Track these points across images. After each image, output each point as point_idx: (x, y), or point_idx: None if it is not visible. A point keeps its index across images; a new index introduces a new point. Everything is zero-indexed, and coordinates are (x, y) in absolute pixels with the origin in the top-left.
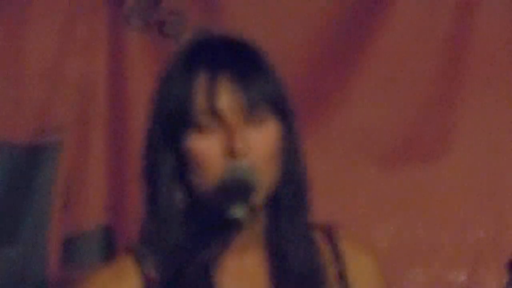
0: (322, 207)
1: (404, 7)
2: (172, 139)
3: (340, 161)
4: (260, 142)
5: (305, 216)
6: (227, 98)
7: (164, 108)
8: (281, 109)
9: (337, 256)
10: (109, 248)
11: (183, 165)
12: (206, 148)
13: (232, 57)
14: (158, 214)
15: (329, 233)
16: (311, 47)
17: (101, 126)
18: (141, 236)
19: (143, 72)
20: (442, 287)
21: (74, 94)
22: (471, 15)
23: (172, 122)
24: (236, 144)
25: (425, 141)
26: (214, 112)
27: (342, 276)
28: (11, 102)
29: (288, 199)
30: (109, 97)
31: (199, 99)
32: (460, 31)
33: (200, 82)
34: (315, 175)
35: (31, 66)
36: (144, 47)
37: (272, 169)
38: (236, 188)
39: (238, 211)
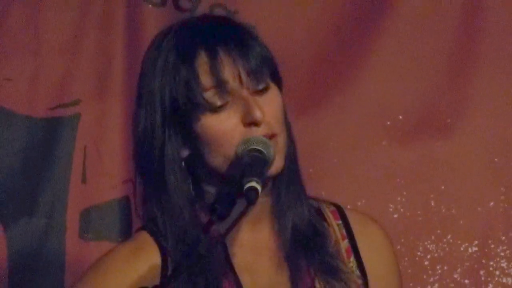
0: (336, 180)
1: (402, 6)
2: (179, 126)
3: (353, 135)
4: (271, 109)
5: (301, 183)
6: (229, 69)
7: (165, 96)
8: (277, 76)
9: (348, 231)
10: (126, 219)
11: (194, 146)
12: (223, 126)
13: (227, 33)
14: (168, 201)
15: (340, 210)
16: (329, 29)
17: (117, 100)
18: (151, 219)
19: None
20: (454, 259)
21: (91, 68)
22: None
23: (178, 109)
24: (254, 113)
25: (436, 115)
26: (221, 86)
27: (353, 247)
28: (31, 77)
29: (288, 170)
30: (125, 71)
31: (203, 78)
32: (470, 13)
33: (201, 60)
34: (328, 149)
35: (50, 42)
36: (160, 21)
37: (285, 135)
38: (255, 163)
39: (255, 184)
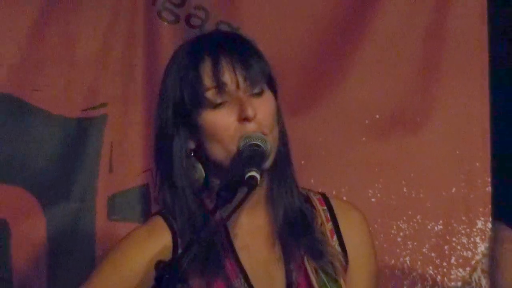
0: (324, 170)
1: (393, 2)
2: (186, 120)
3: (338, 132)
4: (263, 110)
5: (292, 175)
6: (229, 75)
7: (176, 95)
8: (273, 85)
9: (332, 215)
10: (146, 203)
11: (198, 140)
12: (220, 121)
13: (230, 44)
14: (175, 182)
15: (325, 197)
16: (318, 42)
17: (139, 102)
18: (164, 205)
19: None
20: (422, 236)
21: (116, 76)
22: (447, 9)
23: (185, 105)
24: (247, 111)
25: (407, 115)
26: (220, 87)
27: (336, 229)
28: (66, 83)
29: (281, 163)
30: (145, 78)
31: (206, 79)
32: (438, 22)
33: (205, 65)
34: (317, 143)
35: (82, 53)
36: (174, 36)
37: (275, 136)
38: (254, 156)
39: (254, 174)
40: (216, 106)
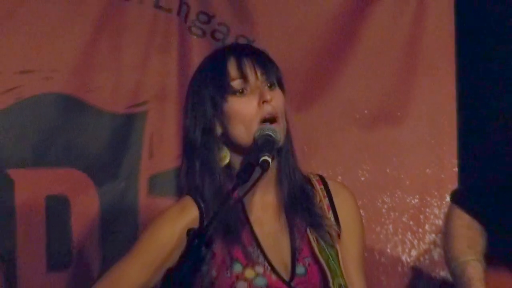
0: (323, 155)
1: (379, 17)
2: (214, 104)
3: (334, 124)
4: (276, 98)
5: (295, 160)
6: (250, 69)
7: (207, 82)
8: (281, 83)
9: (328, 192)
10: (179, 182)
11: (224, 125)
12: (243, 104)
13: (249, 49)
14: (202, 164)
15: (322, 178)
16: (317, 48)
17: (173, 101)
18: (192, 187)
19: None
20: (402, 208)
21: (155, 79)
22: (422, 23)
23: (214, 91)
24: (265, 95)
25: (390, 110)
26: (244, 78)
27: (331, 205)
28: (114, 85)
29: (286, 151)
30: (179, 81)
31: (232, 72)
32: (414, 34)
33: (231, 62)
34: (317, 134)
35: (126, 61)
36: (202, 47)
37: (284, 125)
38: (267, 144)
39: (267, 158)
40: (240, 93)
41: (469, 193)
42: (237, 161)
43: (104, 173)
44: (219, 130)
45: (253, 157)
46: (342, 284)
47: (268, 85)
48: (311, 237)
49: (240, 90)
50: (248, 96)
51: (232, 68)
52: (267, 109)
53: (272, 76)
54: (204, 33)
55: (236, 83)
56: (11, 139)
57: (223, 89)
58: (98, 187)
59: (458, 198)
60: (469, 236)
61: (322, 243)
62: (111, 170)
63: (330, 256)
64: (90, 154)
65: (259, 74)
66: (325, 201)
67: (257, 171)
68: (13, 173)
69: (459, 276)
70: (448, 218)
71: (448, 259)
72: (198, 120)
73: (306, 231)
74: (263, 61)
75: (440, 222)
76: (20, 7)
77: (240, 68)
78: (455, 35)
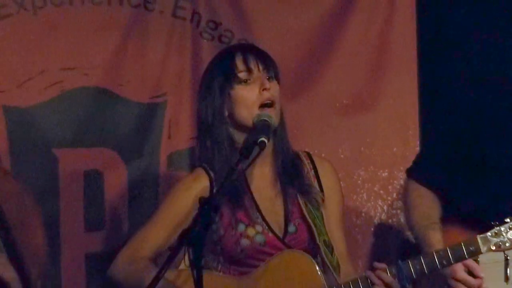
0: (309, 137)
1: (355, 25)
2: (222, 91)
3: (318, 111)
4: (273, 87)
5: (287, 140)
6: (254, 63)
7: (218, 73)
8: (278, 77)
9: (313, 165)
10: (192, 159)
11: (230, 108)
12: (248, 91)
13: (253, 47)
14: (213, 141)
15: (309, 155)
16: (306, 49)
17: (187, 93)
18: (204, 161)
19: None
20: (374, 179)
21: (172, 75)
22: (391, 28)
23: (224, 77)
24: (265, 84)
25: (365, 100)
26: (248, 70)
27: (317, 176)
28: (139, 79)
29: (280, 131)
30: (192, 77)
31: (239, 65)
32: (384, 37)
33: (238, 57)
34: (306, 119)
35: (150, 60)
36: (210, 49)
37: (279, 110)
38: (263, 127)
39: (264, 139)
40: (244, 82)
41: (423, 169)
42: (241, 138)
43: (131, 152)
44: (226, 113)
45: (253, 137)
46: (326, 239)
47: (267, 77)
48: (300, 201)
49: (245, 80)
50: (251, 85)
51: (239, 62)
52: (266, 95)
53: (271, 70)
54: (212, 37)
55: (242, 74)
56: (55, 124)
57: (231, 79)
58: (126, 163)
59: (414, 174)
60: (425, 205)
61: (310, 206)
62: (137, 149)
63: (316, 217)
64: (120, 136)
65: (261, 68)
66: (312, 173)
67: (256, 149)
68: (57, 151)
69: (421, 239)
70: (406, 191)
71: (410, 226)
72: (210, 105)
73: (296, 197)
74: (264, 57)
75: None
76: (63, 19)
77: (246, 62)
78: (416, 39)
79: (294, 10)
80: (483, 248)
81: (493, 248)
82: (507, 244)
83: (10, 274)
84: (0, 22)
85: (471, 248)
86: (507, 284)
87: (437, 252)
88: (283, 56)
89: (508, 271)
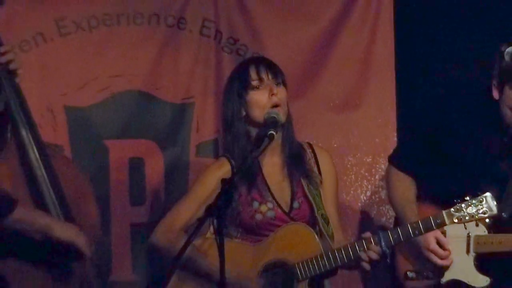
0: (309, 130)
1: (346, 37)
2: (240, 96)
3: (316, 108)
4: (280, 92)
5: (293, 132)
6: (265, 73)
7: (236, 82)
8: (285, 83)
9: (314, 154)
10: (216, 149)
11: (246, 109)
12: (260, 96)
13: (264, 59)
14: (233, 135)
15: (310, 145)
16: (305, 57)
17: (211, 96)
18: (227, 151)
19: (229, 74)
20: (360, 164)
21: (200, 82)
22: (375, 37)
23: (238, 90)
24: (274, 89)
25: (352, 99)
26: (260, 78)
27: (316, 162)
28: (173, 84)
29: (287, 126)
30: (215, 83)
31: (252, 75)
32: (370, 45)
33: (252, 68)
34: (306, 115)
35: (181, 69)
36: (230, 60)
37: (286, 109)
38: (272, 123)
39: (272, 132)
40: (256, 88)
41: (401, 157)
42: (254, 132)
43: (167, 142)
44: (243, 113)
45: (263, 131)
46: (323, 213)
47: (276, 83)
48: (303, 183)
49: (257, 87)
50: (262, 90)
51: (252, 73)
52: (274, 99)
53: (279, 77)
54: (231, 51)
55: (255, 82)
56: (106, 120)
57: (246, 86)
58: (162, 151)
59: (394, 161)
60: (403, 187)
61: (311, 187)
62: (171, 140)
63: (315, 195)
64: (158, 130)
65: (270, 76)
66: (312, 160)
67: (266, 140)
68: (107, 142)
69: (400, 214)
70: (387, 175)
71: (392, 203)
72: (230, 108)
73: (300, 179)
74: (273, 67)
75: (384, 174)
76: (112, 36)
77: (258, 73)
78: (394, 52)
79: (297, 27)
80: (447, 221)
81: (456, 221)
82: (466, 218)
83: (82, 240)
84: (62, 39)
85: (438, 221)
86: (468, 255)
87: (411, 224)
88: (288, 64)
89: (470, 246)
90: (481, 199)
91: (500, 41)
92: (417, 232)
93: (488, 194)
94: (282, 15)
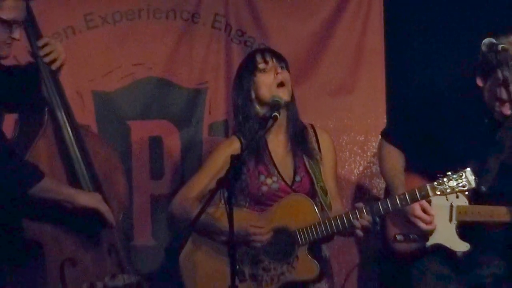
0: (310, 112)
1: (341, 30)
2: (249, 79)
3: (315, 93)
4: (284, 74)
5: (297, 113)
6: (269, 57)
7: (246, 67)
8: (288, 68)
9: (315, 134)
10: (226, 128)
11: (255, 90)
12: (266, 77)
13: (269, 49)
14: (243, 116)
15: (312, 126)
16: (306, 47)
17: (222, 81)
18: (237, 130)
19: (238, 62)
20: (354, 142)
21: (212, 69)
22: (366, 30)
23: (249, 70)
24: (278, 69)
25: (345, 88)
26: (265, 61)
27: (317, 140)
28: (188, 71)
29: (291, 107)
30: (225, 70)
31: (258, 59)
32: (361, 37)
33: (258, 55)
34: (307, 99)
35: (196, 57)
36: (239, 50)
37: (290, 90)
38: (276, 105)
39: (276, 115)
40: (263, 71)
41: (392, 133)
42: (262, 113)
43: (183, 123)
44: (253, 94)
45: (268, 112)
46: (322, 185)
47: (280, 66)
48: (305, 159)
49: (263, 69)
50: (268, 72)
51: (259, 58)
52: (279, 77)
53: (282, 62)
54: (240, 42)
55: (261, 65)
56: (129, 103)
57: (254, 70)
58: (179, 130)
59: (386, 136)
60: (393, 159)
61: (312, 162)
62: (187, 121)
63: (315, 170)
64: (175, 111)
65: (274, 60)
66: (314, 139)
67: (271, 121)
68: (130, 123)
69: (389, 184)
70: (379, 148)
71: (382, 174)
72: (241, 90)
73: (302, 156)
74: (277, 54)
75: (375, 151)
76: (134, 29)
77: (263, 57)
78: (384, 40)
79: (298, 21)
80: (431, 193)
81: (438, 193)
82: (448, 190)
83: (105, 207)
84: (89, 32)
85: (422, 193)
86: (450, 223)
87: (398, 196)
88: (290, 54)
89: (452, 215)
90: (461, 174)
91: (487, 31)
92: (404, 203)
93: (467, 169)
94: (285, 10)
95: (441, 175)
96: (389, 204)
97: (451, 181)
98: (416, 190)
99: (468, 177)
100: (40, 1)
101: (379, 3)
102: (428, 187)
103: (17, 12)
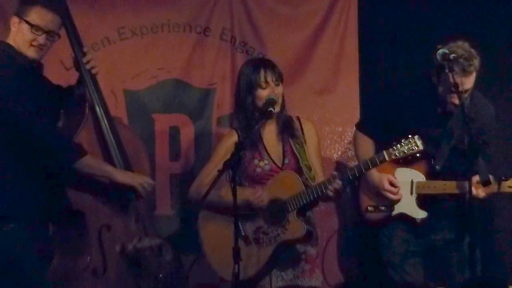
0: (298, 108)
1: (325, 39)
2: (249, 91)
3: (303, 92)
4: (279, 91)
5: (286, 110)
6: (270, 75)
7: (246, 81)
8: (282, 80)
9: (301, 125)
10: (232, 121)
11: (253, 99)
12: (264, 93)
13: (269, 63)
14: (243, 113)
15: (298, 118)
16: (296, 54)
17: (228, 83)
18: (235, 124)
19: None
20: (333, 132)
21: (220, 72)
22: (343, 42)
23: (249, 85)
24: (274, 91)
25: (328, 85)
26: (266, 81)
27: (301, 128)
28: (200, 74)
29: (282, 108)
30: (230, 74)
31: (261, 77)
32: (340, 44)
33: (261, 72)
34: (296, 97)
35: (207, 63)
36: (241, 58)
37: (280, 102)
38: (271, 102)
39: (271, 110)
40: (263, 88)
41: (365, 125)
42: (256, 112)
43: (196, 116)
44: (250, 100)
45: (264, 108)
46: (306, 163)
47: (276, 85)
48: (292, 143)
49: (264, 87)
50: (267, 89)
51: (262, 76)
52: (271, 96)
53: (278, 78)
54: (242, 51)
55: (262, 84)
56: (153, 100)
57: (255, 85)
58: (193, 123)
59: (359, 127)
60: (365, 146)
61: (297, 145)
62: (199, 114)
63: (300, 151)
64: (189, 107)
65: (273, 79)
66: (299, 127)
67: (266, 116)
68: (154, 116)
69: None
70: (354, 138)
71: (357, 158)
72: (243, 95)
73: (289, 141)
74: (275, 71)
75: (351, 139)
76: (157, 40)
77: (265, 76)
78: (358, 51)
79: (290, 33)
80: (387, 158)
81: (393, 157)
82: (401, 154)
83: (139, 181)
84: (121, 42)
85: (380, 158)
86: (411, 196)
87: (362, 162)
88: (283, 60)
89: (413, 189)
90: (410, 140)
91: (440, 38)
92: (365, 167)
93: (416, 136)
94: (279, 25)
95: (395, 143)
96: (355, 170)
97: (402, 147)
98: (375, 155)
99: (416, 141)
100: (81, 16)
101: (354, 21)
102: (385, 153)
103: (45, 22)
